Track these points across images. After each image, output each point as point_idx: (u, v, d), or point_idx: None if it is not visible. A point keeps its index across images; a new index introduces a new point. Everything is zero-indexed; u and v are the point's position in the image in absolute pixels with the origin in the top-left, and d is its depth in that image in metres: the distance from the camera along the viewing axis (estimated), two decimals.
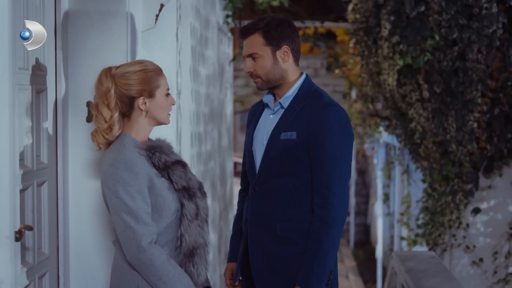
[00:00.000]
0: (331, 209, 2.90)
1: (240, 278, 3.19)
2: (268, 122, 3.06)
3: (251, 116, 3.19)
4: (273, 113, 3.06)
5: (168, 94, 2.85)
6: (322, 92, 3.05)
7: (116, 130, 2.77)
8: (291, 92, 3.03)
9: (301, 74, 3.08)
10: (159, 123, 2.86)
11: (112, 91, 2.76)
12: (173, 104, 2.88)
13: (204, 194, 2.87)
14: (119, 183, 2.67)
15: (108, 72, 2.79)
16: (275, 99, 3.08)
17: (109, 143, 2.79)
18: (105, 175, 2.71)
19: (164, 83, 2.83)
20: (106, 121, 2.76)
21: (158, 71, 2.82)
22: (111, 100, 2.76)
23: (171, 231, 2.78)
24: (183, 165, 2.85)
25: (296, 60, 3.05)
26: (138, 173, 2.70)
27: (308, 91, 3.03)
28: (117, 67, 2.81)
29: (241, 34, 3.04)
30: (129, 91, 2.77)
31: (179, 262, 2.77)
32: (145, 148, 2.79)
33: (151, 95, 2.79)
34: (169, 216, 2.76)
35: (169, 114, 2.87)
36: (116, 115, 2.77)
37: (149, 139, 2.88)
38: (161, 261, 2.68)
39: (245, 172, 3.19)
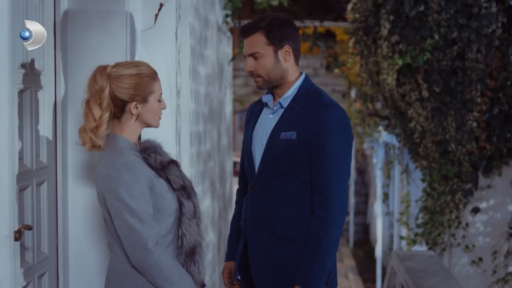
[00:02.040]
0: (330, 208, 2.90)
1: (239, 277, 3.19)
2: (267, 121, 3.06)
3: (250, 116, 3.18)
4: (273, 113, 3.06)
5: (160, 100, 2.83)
6: (322, 92, 3.05)
7: (102, 130, 2.73)
8: (291, 92, 3.03)
9: (301, 74, 3.08)
10: (149, 126, 2.84)
11: (107, 91, 2.73)
12: (164, 108, 2.86)
13: (195, 193, 2.88)
14: (121, 186, 2.65)
15: (103, 71, 2.75)
16: (274, 99, 3.08)
17: (94, 145, 2.75)
18: (105, 179, 2.68)
19: (158, 88, 2.81)
20: (95, 120, 2.73)
21: (153, 76, 2.80)
22: (104, 100, 2.72)
23: (172, 231, 2.78)
24: (177, 164, 2.86)
25: (297, 59, 3.05)
26: (140, 174, 2.69)
27: (308, 91, 3.03)
28: (113, 66, 2.77)
29: (242, 33, 3.04)
30: (122, 95, 2.74)
31: (181, 262, 2.78)
32: (139, 150, 2.78)
33: (144, 100, 2.77)
34: (170, 216, 2.76)
35: (159, 118, 2.85)
36: (107, 115, 2.73)
37: (139, 141, 2.87)
38: (167, 262, 2.67)
39: (243, 171, 3.19)
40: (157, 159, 2.78)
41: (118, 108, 2.76)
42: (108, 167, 2.69)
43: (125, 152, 2.73)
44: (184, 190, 2.81)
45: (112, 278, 2.79)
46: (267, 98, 3.09)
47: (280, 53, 3.00)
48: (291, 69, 3.03)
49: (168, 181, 2.79)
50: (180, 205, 2.79)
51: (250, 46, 3.00)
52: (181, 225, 2.79)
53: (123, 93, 2.74)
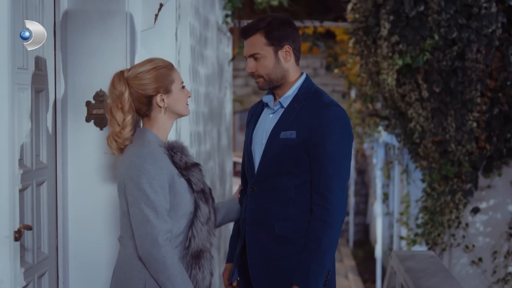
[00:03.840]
0: (330, 208, 2.90)
1: (238, 278, 3.19)
2: (267, 121, 3.06)
3: (251, 116, 3.19)
4: (273, 113, 3.06)
5: (183, 87, 2.87)
6: (322, 92, 3.05)
7: (127, 132, 2.77)
8: (291, 92, 3.03)
9: (301, 74, 3.08)
10: (179, 115, 2.89)
11: (126, 94, 2.77)
12: (189, 96, 2.91)
13: (213, 200, 2.90)
14: (144, 175, 2.67)
15: (120, 76, 2.80)
16: (274, 99, 3.08)
17: (121, 148, 2.80)
18: (129, 166, 2.70)
19: (177, 77, 2.86)
20: (119, 125, 2.77)
21: (170, 66, 2.85)
22: (125, 103, 2.77)
23: (184, 232, 2.79)
24: (200, 168, 2.89)
25: (297, 59, 3.05)
26: (163, 168, 2.72)
27: (308, 91, 3.03)
28: (129, 70, 2.82)
29: (242, 34, 3.04)
30: (146, 91, 2.78)
31: (187, 263, 2.79)
32: (166, 147, 2.81)
33: (167, 90, 2.81)
34: (185, 216, 2.78)
35: (187, 105, 2.90)
36: (129, 117, 2.78)
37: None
38: (173, 261, 2.69)
39: (245, 172, 3.19)
40: (183, 159, 2.82)
41: (146, 106, 2.81)
42: (134, 156, 2.72)
43: (153, 144, 2.76)
44: (203, 194, 2.84)
45: (118, 269, 2.82)
46: (267, 98, 3.09)
47: (280, 53, 3.00)
48: (292, 69, 3.03)
49: (189, 182, 2.81)
50: (196, 207, 2.81)
51: (250, 47, 3.00)
52: (192, 227, 2.81)
53: (146, 88, 2.78)
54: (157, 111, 2.82)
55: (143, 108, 2.81)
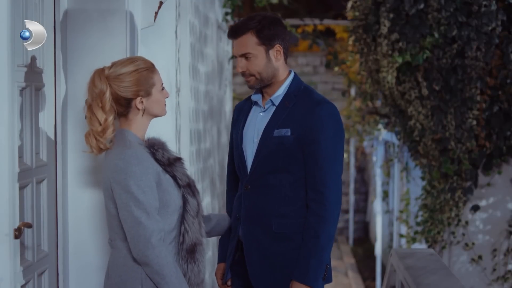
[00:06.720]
0: (326, 204, 2.93)
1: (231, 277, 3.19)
2: (258, 119, 3.07)
3: (237, 115, 3.19)
4: (264, 111, 3.07)
5: (163, 88, 2.85)
6: (312, 89, 3.08)
7: (109, 133, 2.75)
8: (282, 90, 3.05)
9: (290, 72, 3.09)
10: (156, 116, 2.87)
11: (108, 94, 2.74)
12: (167, 97, 2.89)
13: (198, 191, 2.90)
14: (131, 177, 2.66)
15: (101, 74, 2.77)
16: (263, 97, 3.09)
17: (101, 148, 2.78)
18: (114, 170, 2.69)
19: (158, 79, 2.83)
20: (100, 124, 2.74)
21: (151, 68, 2.82)
22: (106, 103, 2.74)
23: (176, 227, 2.79)
24: (182, 162, 2.88)
25: (286, 58, 3.07)
26: (148, 167, 2.71)
27: (298, 89, 3.05)
28: (110, 67, 2.79)
29: (231, 34, 3.02)
30: (125, 93, 2.76)
31: (182, 258, 2.79)
32: (146, 145, 2.80)
33: (147, 94, 2.79)
34: (175, 212, 2.78)
35: (165, 106, 2.88)
36: (111, 118, 2.75)
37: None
38: (167, 261, 2.68)
39: (232, 171, 3.20)
40: (165, 155, 2.81)
41: (124, 107, 2.78)
42: (118, 159, 2.70)
43: (134, 145, 2.75)
44: (189, 188, 2.83)
45: (112, 273, 2.80)
46: (256, 97, 3.10)
47: (271, 52, 3.01)
48: (281, 68, 3.05)
49: (174, 177, 2.81)
50: (185, 202, 2.81)
51: (241, 46, 3.00)
52: (184, 222, 2.80)
53: (126, 91, 2.76)
54: (135, 113, 2.80)
55: (121, 109, 2.78)
